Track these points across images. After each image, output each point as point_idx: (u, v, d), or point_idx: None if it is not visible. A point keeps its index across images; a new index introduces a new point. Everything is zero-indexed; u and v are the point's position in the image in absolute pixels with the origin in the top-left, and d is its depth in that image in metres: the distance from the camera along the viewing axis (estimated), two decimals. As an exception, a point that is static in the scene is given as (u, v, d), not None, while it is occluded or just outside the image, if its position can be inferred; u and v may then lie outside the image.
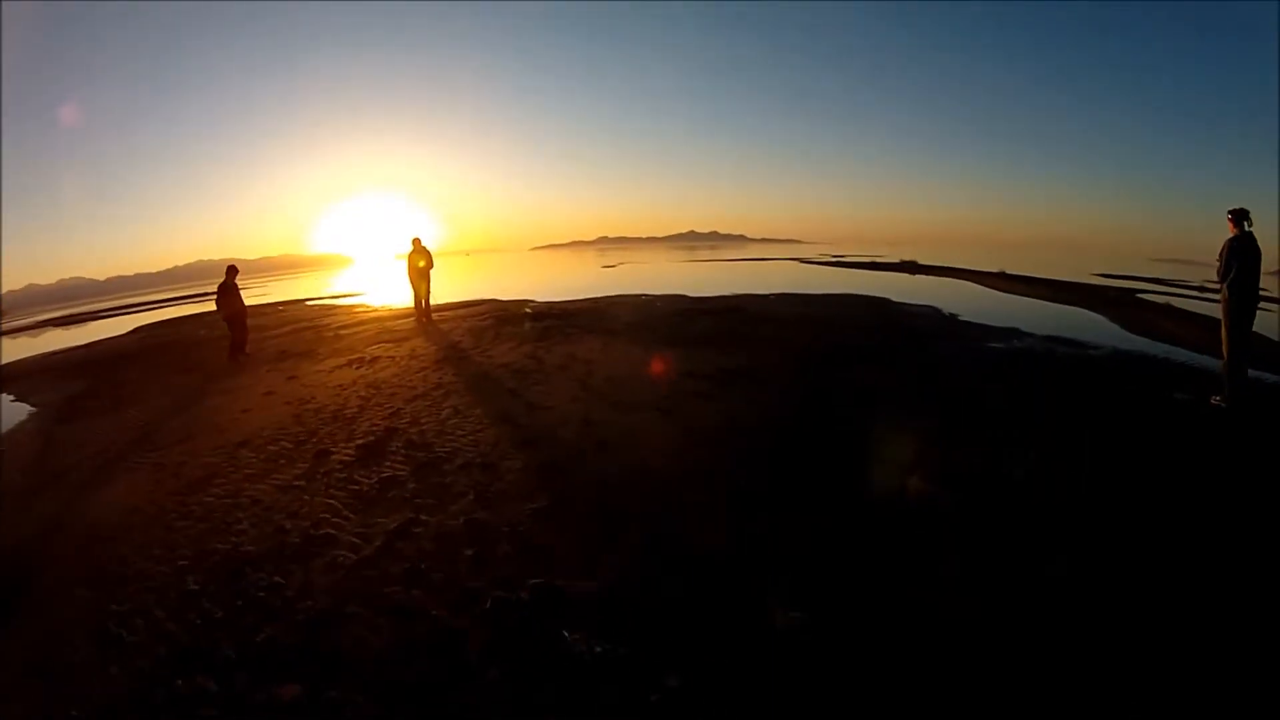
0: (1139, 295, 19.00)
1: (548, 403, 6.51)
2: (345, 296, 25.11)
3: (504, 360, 8.77)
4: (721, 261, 44.48)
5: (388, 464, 5.10)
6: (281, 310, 21.02)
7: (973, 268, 32.14)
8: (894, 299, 16.75)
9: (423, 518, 4.11)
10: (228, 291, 11.42)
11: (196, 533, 4.23)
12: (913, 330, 11.13)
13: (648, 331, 10.86)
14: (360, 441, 5.69)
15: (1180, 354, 8.81)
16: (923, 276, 26.98)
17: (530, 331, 11.25)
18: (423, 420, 6.16)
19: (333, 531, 4.03)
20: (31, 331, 26.62)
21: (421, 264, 13.54)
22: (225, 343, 11.49)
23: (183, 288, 67.19)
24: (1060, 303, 16.14)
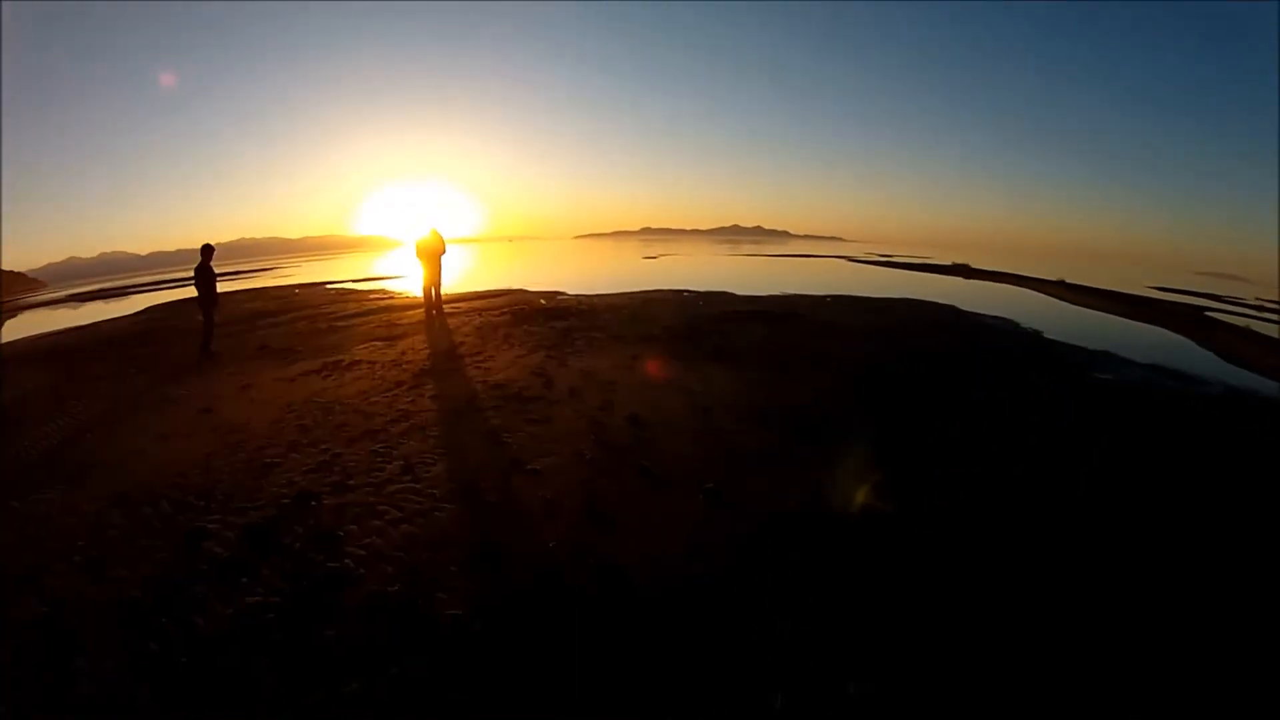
0: (1207, 314, 17.57)
1: (540, 459, 4.46)
2: (369, 280, 23.49)
3: (503, 376, 6.76)
4: (768, 257, 41.89)
5: (260, 580, 3.08)
6: (296, 294, 19.44)
7: (1027, 274, 29.20)
8: (962, 307, 14.34)
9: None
10: (204, 275, 9.63)
11: None
12: (998, 351, 8.98)
13: (689, 341, 8.74)
14: (253, 518, 3.71)
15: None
16: (978, 282, 24.43)
17: (547, 334, 9.21)
18: (354, 481, 4.17)
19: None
20: (50, 307, 25.72)
21: (433, 253, 11.59)
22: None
23: (221, 264, 67.12)
24: (1135, 319, 14.84)
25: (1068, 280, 26.24)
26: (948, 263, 36.91)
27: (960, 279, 26.31)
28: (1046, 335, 11.02)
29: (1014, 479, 4.22)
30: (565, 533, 3.42)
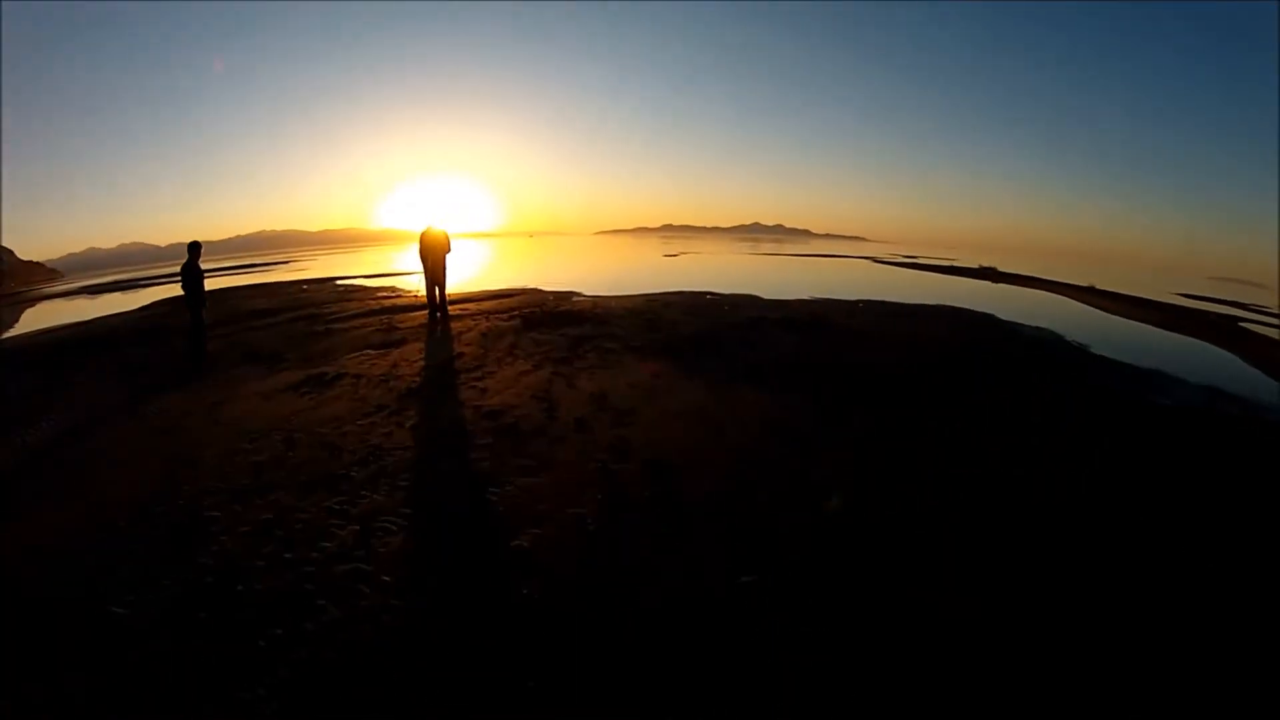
0: (1241, 324, 16.71)
1: (530, 529, 3.51)
2: (379, 276, 22.72)
3: (500, 399, 5.83)
4: (791, 257, 40.65)
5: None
6: (303, 290, 18.69)
7: (1055, 279, 27.83)
8: (999, 316, 13.24)
9: None
10: (191, 274, 8.84)
11: None
12: (1048, 364, 7.93)
13: (715, 355, 7.77)
14: (152, 613, 2.78)
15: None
16: (1007, 286, 23.23)
17: (557, 343, 8.29)
18: (294, 554, 3.28)
19: None
20: (64, 298, 25.27)
21: (437, 251, 10.70)
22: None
23: (236, 257, 67.18)
24: (1173, 330, 13.91)
25: (1097, 286, 24.90)
26: (974, 265, 35.45)
27: (988, 283, 25.13)
28: (1094, 350, 9.94)
29: (1101, 528, 3.21)
30: (551, 660, 2.47)
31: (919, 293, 18.19)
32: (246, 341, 9.79)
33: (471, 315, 11.11)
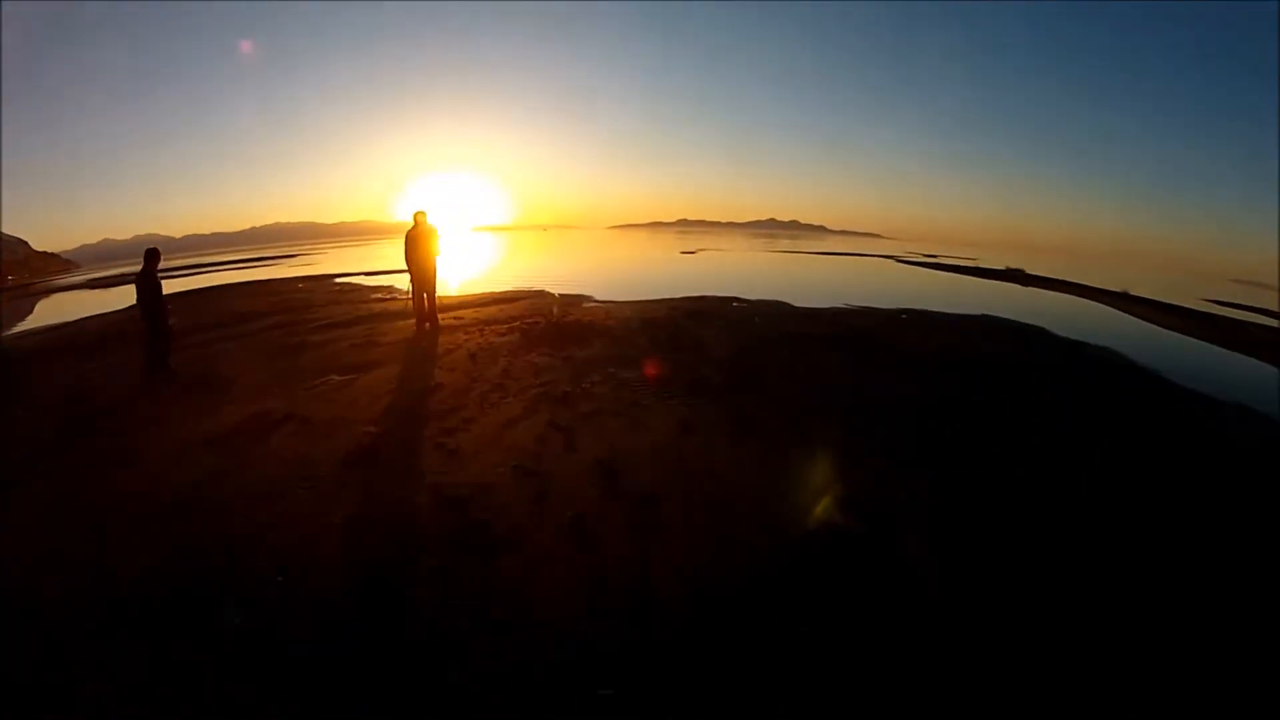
0: None
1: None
2: (381, 273, 21.25)
3: (473, 472, 4.28)
4: (811, 255, 38.69)
5: None
6: (298, 289, 17.27)
7: (1083, 282, 25.84)
8: (1052, 329, 11.52)
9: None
10: (147, 283, 7.46)
11: None
12: (1137, 405, 6.35)
13: (757, 390, 6.16)
14: None
15: None
16: (1039, 291, 21.39)
17: (559, 370, 6.74)
18: None
19: None
20: (66, 292, 24.08)
21: (424, 248, 9.18)
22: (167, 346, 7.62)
23: (248, 250, 66.11)
24: (1230, 348, 12.03)
25: (1130, 292, 22.97)
26: (1000, 267, 33.46)
27: (1016, 285, 23.29)
28: (1167, 376, 8.23)
29: None
30: None
31: (957, 299, 16.41)
32: (209, 358, 8.34)
33: (465, 326, 9.56)
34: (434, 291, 9.36)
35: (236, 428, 5.27)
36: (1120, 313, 16.43)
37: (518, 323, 9.70)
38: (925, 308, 13.67)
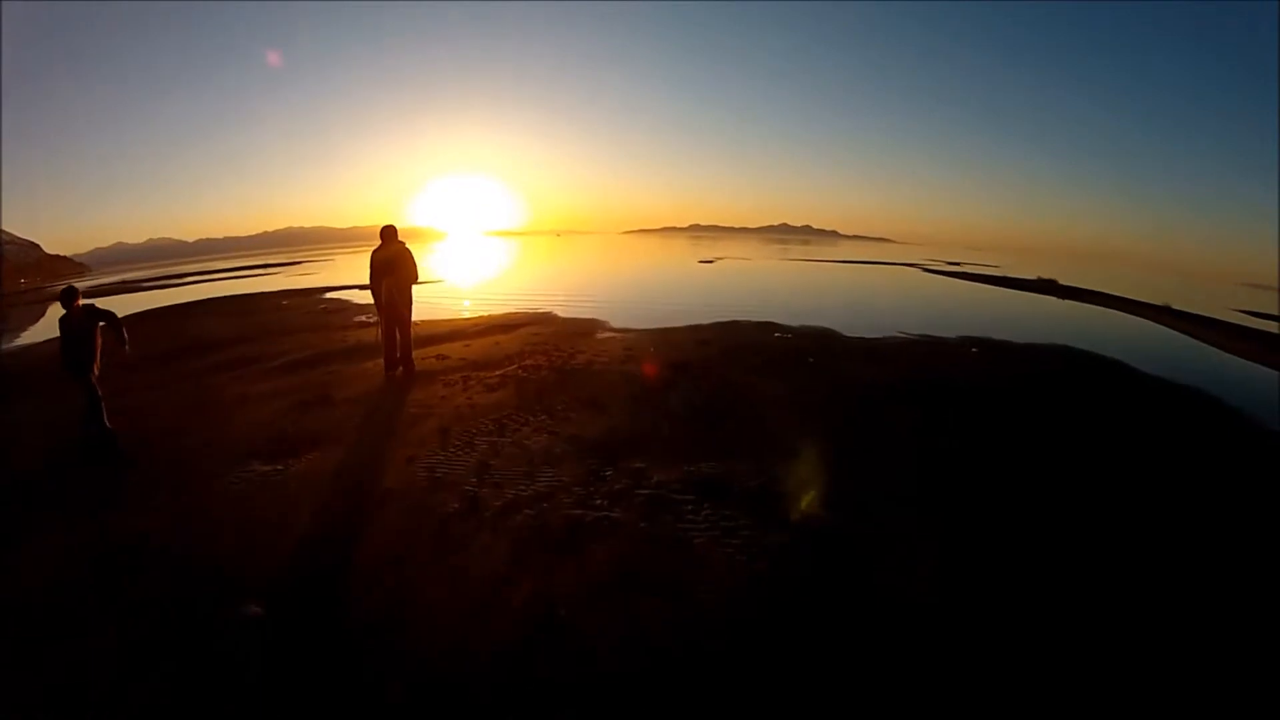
0: None
1: None
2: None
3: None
4: (834, 264, 36.25)
5: None
6: (280, 307, 15.22)
7: (1119, 294, 23.35)
8: (1135, 365, 9.28)
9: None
10: (74, 329, 5.43)
11: None
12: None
13: (856, 511, 3.89)
14: None
15: None
16: (1084, 306, 19.05)
17: (566, 467, 4.55)
18: None
19: None
20: (57, 300, 22.13)
21: (396, 273, 7.06)
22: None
23: (255, 256, 64.52)
24: None
25: (1172, 306, 20.54)
26: (1031, 277, 30.99)
27: (1052, 298, 20.86)
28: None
29: None
30: None
31: (1014, 322, 14.07)
32: (134, 412, 6.25)
33: (448, 371, 7.39)
34: (408, 328, 7.22)
35: (56, 574, 3.16)
36: (1174, 333, 14.11)
37: (514, 366, 7.54)
38: (988, 335, 11.39)
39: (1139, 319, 16.48)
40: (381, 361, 7.34)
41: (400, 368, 7.18)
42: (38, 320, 16.96)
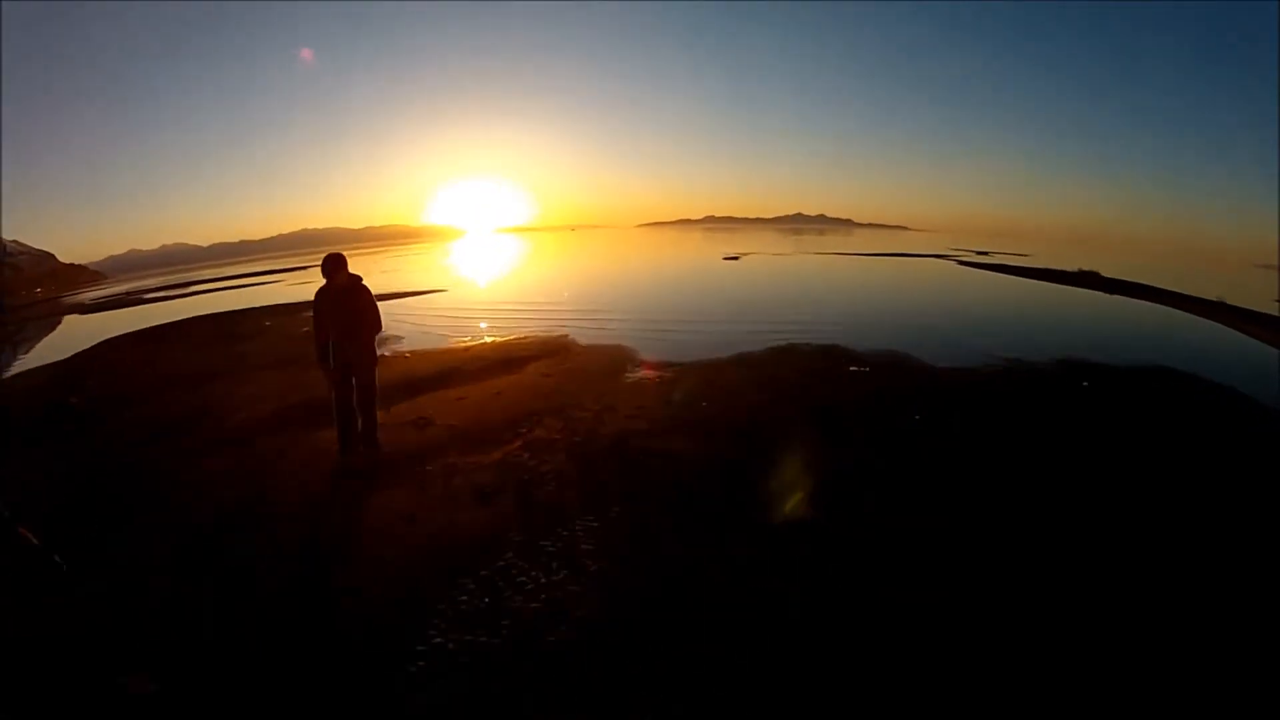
0: None
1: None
2: (393, 297, 17.04)
3: None
4: (862, 258, 33.63)
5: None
6: (261, 329, 13.14)
7: (1163, 287, 20.70)
8: (1249, 393, 7.03)
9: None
10: None
11: None
12: None
13: None
14: None
15: None
16: (1134, 302, 16.67)
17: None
18: None
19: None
20: (57, 315, 20.44)
21: (350, 321, 4.83)
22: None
23: (265, 259, 62.98)
24: None
25: (1227, 301, 18.01)
26: (1072, 269, 28.30)
27: (1100, 293, 18.56)
28: None
29: None
30: None
31: (1088, 332, 11.64)
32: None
33: (422, 459, 5.20)
34: (373, 396, 5.04)
35: None
36: (1248, 339, 11.79)
37: (518, 443, 5.36)
38: (1079, 353, 9.10)
39: (1210, 321, 14.16)
40: (336, 431, 5.16)
41: (361, 449, 5.03)
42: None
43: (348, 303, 4.73)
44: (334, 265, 4.73)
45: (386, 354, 9.38)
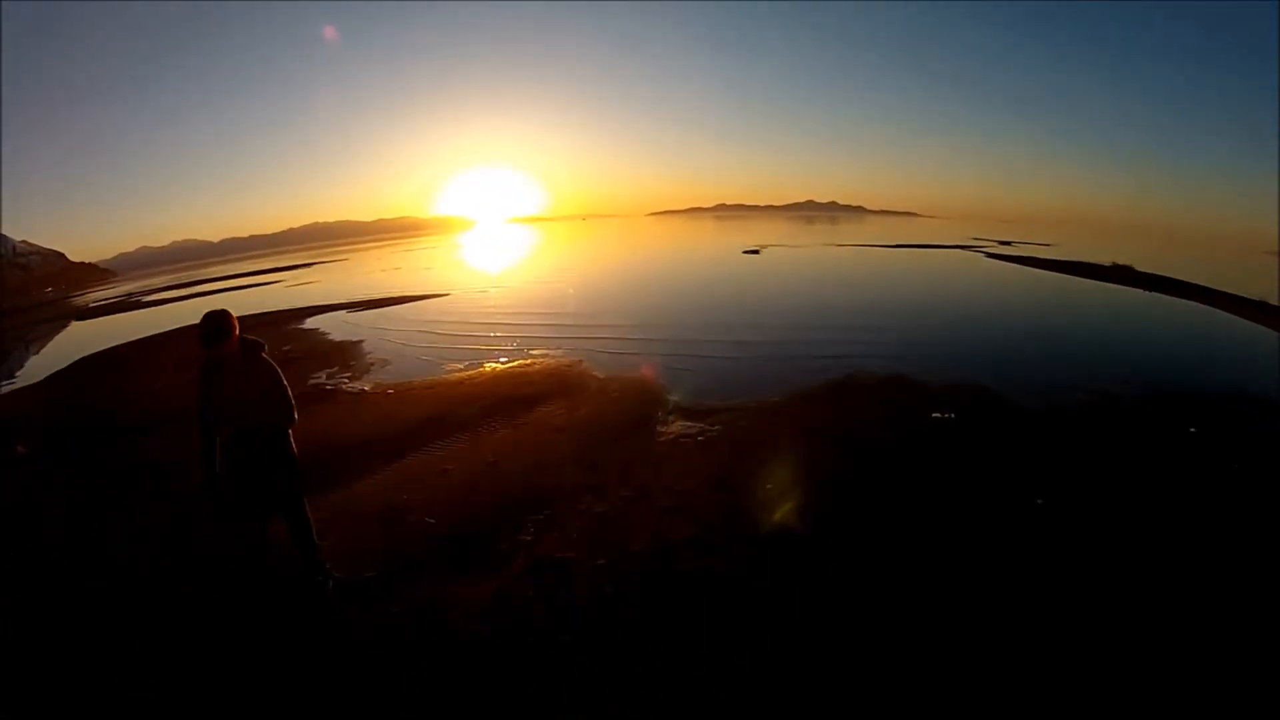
0: None
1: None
2: (376, 305, 15.40)
3: None
4: (886, 249, 31.57)
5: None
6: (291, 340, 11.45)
7: (1197, 282, 18.73)
8: None
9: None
10: None
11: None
12: None
13: None
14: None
15: None
16: (1169, 300, 14.99)
17: None
18: None
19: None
20: (54, 321, 19.11)
21: (246, 411, 3.05)
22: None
23: (272, 255, 61.59)
24: None
25: (1269, 302, 16.26)
26: (1105, 263, 26.30)
27: (1138, 290, 16.76)
28: None
29: None
30: None
31: (1148, 348, 9.80)
32: None
33: (380, 588, 3.57)
34: (303, 519, 3.35)
35: None
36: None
37: (518, 563, 3.72)
38: (1172, 382, 7.38)
39: (1231, 316, 12.53)
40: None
41: (307, 582, 3.40)
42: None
43: (242, 383, 3.02)
44: (217, 326, 2.92)
45: (366, 389, 7.78)
